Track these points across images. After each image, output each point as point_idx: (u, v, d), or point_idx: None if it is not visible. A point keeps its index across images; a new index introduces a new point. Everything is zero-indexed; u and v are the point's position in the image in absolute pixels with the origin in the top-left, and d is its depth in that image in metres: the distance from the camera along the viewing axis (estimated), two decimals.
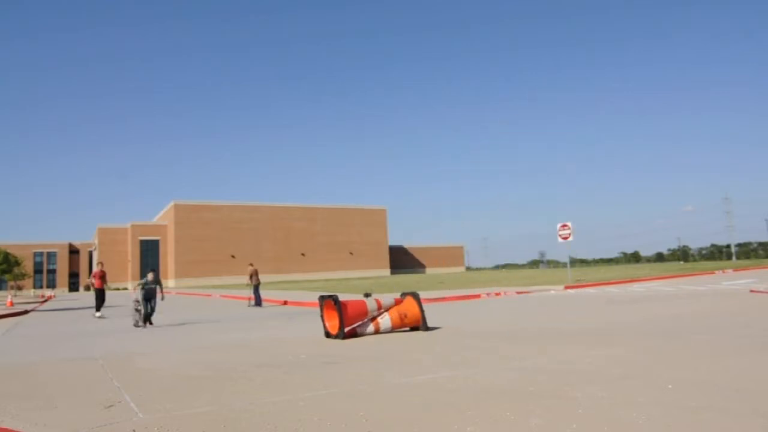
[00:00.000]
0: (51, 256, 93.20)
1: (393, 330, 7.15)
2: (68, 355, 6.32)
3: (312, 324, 8.96)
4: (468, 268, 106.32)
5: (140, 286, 11.96)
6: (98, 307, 14.68)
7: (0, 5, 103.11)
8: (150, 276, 12.06)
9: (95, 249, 79.65)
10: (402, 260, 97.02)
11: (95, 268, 15.49)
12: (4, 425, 2.95)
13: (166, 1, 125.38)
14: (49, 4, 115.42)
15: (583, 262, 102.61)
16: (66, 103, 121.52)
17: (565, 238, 23.04)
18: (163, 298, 12.37)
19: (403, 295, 7.59)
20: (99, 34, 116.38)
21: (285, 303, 17.95)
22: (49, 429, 2.87)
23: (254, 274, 17.08)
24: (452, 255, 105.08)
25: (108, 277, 14.89)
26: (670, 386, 3.07)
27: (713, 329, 6.21)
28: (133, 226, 76.48)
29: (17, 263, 50.12)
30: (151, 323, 11.87)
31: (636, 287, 18.90)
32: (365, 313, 7.11)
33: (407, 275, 65.25)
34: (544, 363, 4.11)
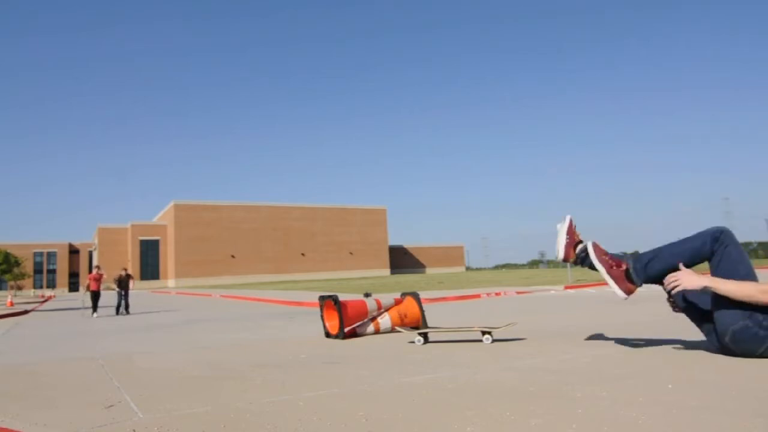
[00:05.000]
0: (51, 256, 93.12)
1: (393, 330, 7.15)
2: (68, 355, 6.33)
3: (312, 324, 8.96)
4: (468, 268, 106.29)
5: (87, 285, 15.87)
6: (94, 308, 15.85)
7: (0, 5, 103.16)
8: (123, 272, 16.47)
9: (95, 249, 79.55)
10: (402, 260, 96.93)
11: (94, 272, 16.52)
12: (4, 425, 2.95)
13: (167, 1, 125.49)
14: (49, 4, 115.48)
15: None
16: (66, 103, 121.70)
17: None
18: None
19: (403, 295, 7.59)
20: (99, 34, 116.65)
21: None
22: (49, 429, 2.87)
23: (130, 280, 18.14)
24: (452, 255, 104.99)
25: (109, 278, 16.51)
26: (670, 386, 3.07)
27: None
28: (133, 226, 76.46)
29: (17, 263, 50.15)
30: (95, 314, 15.30)
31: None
32: (365, 313, 7.11)
33: (407, 275, 65.27)
34: (544, 363, 4.12)
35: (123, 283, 16.83)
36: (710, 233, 3.74)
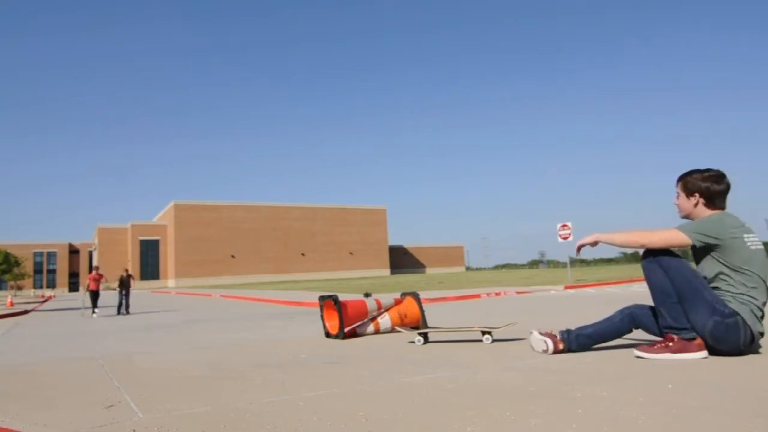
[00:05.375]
0: (51, 256, 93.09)
1: (393, 330, 7.16)
2: (68, 355, 6.33)
3: (312, 324, 8.96)
4: (468, 268, 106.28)
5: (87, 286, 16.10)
6: (94, 308, 16.35)
7: (0, 5, 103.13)
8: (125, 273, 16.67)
9: (95, 249, 79.55)
10: (402, 260, 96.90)
11: (93, 272, 17.04)
12: (4, 425, 2.95)
13: (167, 1, 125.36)
14: (49, 4, 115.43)
15: (583, 262, 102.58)
16: (66, 103, 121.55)
17: (565, 238, 23.05)
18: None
19: (403, 295, 7.60)
20: (99, 34, 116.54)
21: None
22: (49, 429, 2.87)
23: (131, 280, 17.76)
24: (452, 255, 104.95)
25: (109, 278, 17.08)
26: (670, 386, 3.07)
27: None
28: (133, 226, 76.44)
29: (17, 263, 50.09)
30: (95, 313, 15.66)
31: (636, 287, 18.92)
32: (365, 313, 7.12)
33: (407, 275, 65.22)
34: (544, 363, 4.12)
35: (124, 283, 17.14)
36: (625, 312, 4.33)
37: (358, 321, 7.07)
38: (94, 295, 16.31)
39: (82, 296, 17.35)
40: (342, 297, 7.71)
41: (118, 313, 16.37)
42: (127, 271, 18.03)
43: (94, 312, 15.92)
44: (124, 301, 16.59)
